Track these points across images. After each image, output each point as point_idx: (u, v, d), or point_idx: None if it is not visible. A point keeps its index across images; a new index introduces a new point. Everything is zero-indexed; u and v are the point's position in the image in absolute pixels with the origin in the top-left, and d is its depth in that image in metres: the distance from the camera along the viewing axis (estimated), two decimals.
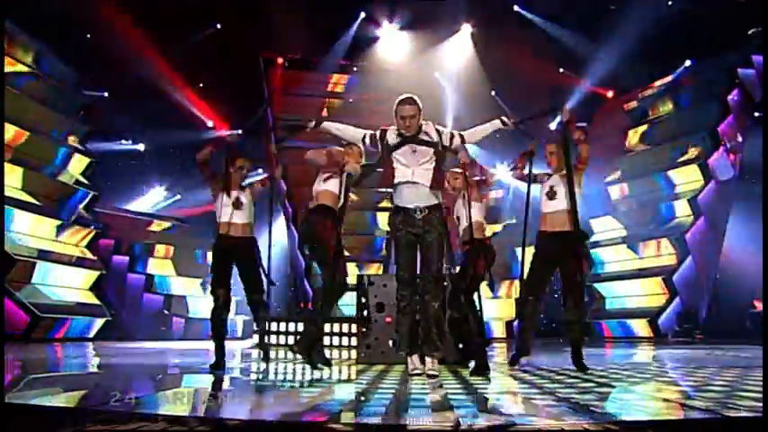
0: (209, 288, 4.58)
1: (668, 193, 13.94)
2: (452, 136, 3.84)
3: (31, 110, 11.25)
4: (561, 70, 15.67)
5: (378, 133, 3.84)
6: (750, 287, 11.41)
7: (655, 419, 2.22)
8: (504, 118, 3.93)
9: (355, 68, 16.55)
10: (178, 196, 16.65)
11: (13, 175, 10.57)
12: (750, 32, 12.36)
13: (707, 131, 13.16)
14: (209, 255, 5.38)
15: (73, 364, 5.69)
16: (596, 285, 14.27)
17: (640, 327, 13.05)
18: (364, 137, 3.90)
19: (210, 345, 4.71)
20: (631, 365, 4.67)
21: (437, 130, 3.79)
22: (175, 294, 14.09)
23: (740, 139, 13.19)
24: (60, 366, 5.34)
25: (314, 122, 4.01)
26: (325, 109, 16.70)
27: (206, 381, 3.77)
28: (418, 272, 3.80)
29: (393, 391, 3.12)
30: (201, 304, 13.74)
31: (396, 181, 3.72)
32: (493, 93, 15.99)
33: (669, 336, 11.65)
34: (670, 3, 12.83)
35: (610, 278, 14.32)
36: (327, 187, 4.63)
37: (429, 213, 3.68)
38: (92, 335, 10.95)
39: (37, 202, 11.02)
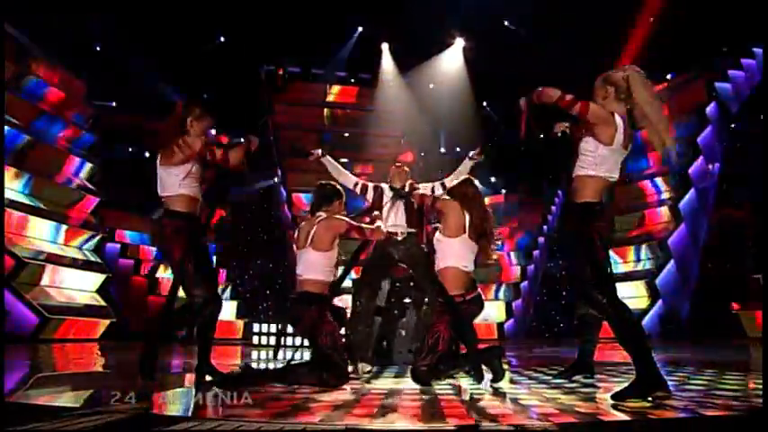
0: (187, 289, 3.82)
1: (651, 199, 14.28)
2: (434, 189, 4.51)
3: (39, 117, 11.40)
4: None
5: (371, 186, 4.58)
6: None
7: (637, 419, 2.31)
8: (472, 153, 4.55)
9: (354, 80, 16.78)
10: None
11: (20, 181, 10.73)
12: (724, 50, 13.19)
13: (687, 141, 13.44)
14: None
15: (79, 364, 5.82)
16: None
17: None
18: (356, 184, 4.55)
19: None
20: (614, 366, 4.74)
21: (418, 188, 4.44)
22: (180, 297, 14.07)
23: (718, 149, 13.81)
24: (67, 366, 5.48)
25: (320, 151, 4.56)
26: (325, 118, 16.94)
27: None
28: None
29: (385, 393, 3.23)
30: None
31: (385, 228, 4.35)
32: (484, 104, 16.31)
33: (651, 337, 11.70)
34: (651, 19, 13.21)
35: None
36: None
37: (408, 236, 4.41)
38: (98, 336, 11.06)
39: (45, 207, 11.18)
